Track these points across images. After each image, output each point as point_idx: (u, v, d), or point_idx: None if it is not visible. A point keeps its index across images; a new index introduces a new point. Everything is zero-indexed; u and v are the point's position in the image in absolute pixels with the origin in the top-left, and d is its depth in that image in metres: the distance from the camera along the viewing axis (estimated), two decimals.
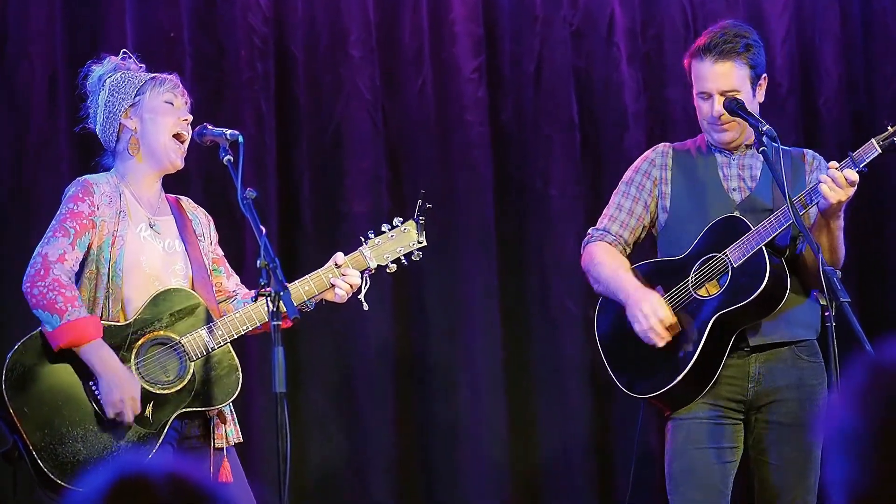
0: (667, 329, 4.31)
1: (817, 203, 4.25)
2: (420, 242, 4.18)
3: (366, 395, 5.81)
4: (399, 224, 4.18)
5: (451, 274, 5.92)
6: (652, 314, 4.31)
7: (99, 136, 4.15)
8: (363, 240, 4.17)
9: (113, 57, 4.15)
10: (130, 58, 4.15)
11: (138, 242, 4.00)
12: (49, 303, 3.84)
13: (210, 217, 4.30)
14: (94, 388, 3.87)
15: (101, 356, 3.86)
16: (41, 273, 3.89)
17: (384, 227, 4.18)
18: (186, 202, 4.25)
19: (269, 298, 3.64)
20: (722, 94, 4.38)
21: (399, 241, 4.18)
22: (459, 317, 5.93)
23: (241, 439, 4.14)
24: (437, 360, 5.91)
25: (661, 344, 4.31)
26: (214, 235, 4.26)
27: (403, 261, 4.18)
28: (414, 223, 4.18)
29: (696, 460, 4.33)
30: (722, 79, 4.38)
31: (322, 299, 4.14)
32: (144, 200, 4.08)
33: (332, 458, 5.77)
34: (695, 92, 4.48)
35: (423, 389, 5.88)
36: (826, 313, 4.03)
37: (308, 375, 5.74)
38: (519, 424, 5.94)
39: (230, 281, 4.25)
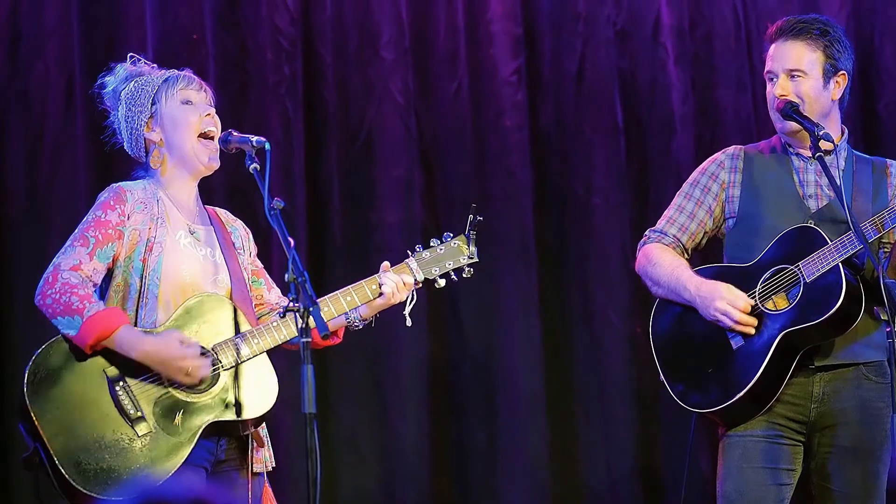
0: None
1: None
2: (471, 258, 4.10)
3: (399, 416, 5.71)
4: (449, 238, 4.11)
5: (489, 288, 5.80)
6: (731, 308, 4.14)
7: (129, 153, 4.07)
8: (410, 253, 4.07)
9: (123, 64, 4.06)
10: (140, 60, 4.05)
11: (178, 249, 3.91)
12: (65, 306, 3.75)
13: (248, 229, 4.21)
14: (119, 391, 3.78)
15: (132, 341, 3.76)
16: (49, 281, 3.80)
17: (433, 242, 4.09)
18: (225, 214, 4.18)
19: (297, 314, 3.52)
20: (788, 73, 4.22)
21: (448, 255, 4.10)
22: (497, 333, 5.84)
23: (274, 464, 4.02)
24: (473, 380, 5.81)
25: (752, 332, 4.14)
26: (253, 248, 4.17)
27: (453, 276, 4.11)
28: (465, 238, 4.10)
29: (751, 481, 4.18)
30: (788, 56, 4.23)
31: (371, 318, 4.06)
32: (183, 207, 4.00)
33: (363, 482, 5.68)
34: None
35: (460, 411, 5.78)
36: (888, 329, 3.91)
37: (339, 395, 5.65)
38: (561, 447, 5.83)
39: (271, 293, 4.18)
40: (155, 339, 3.77)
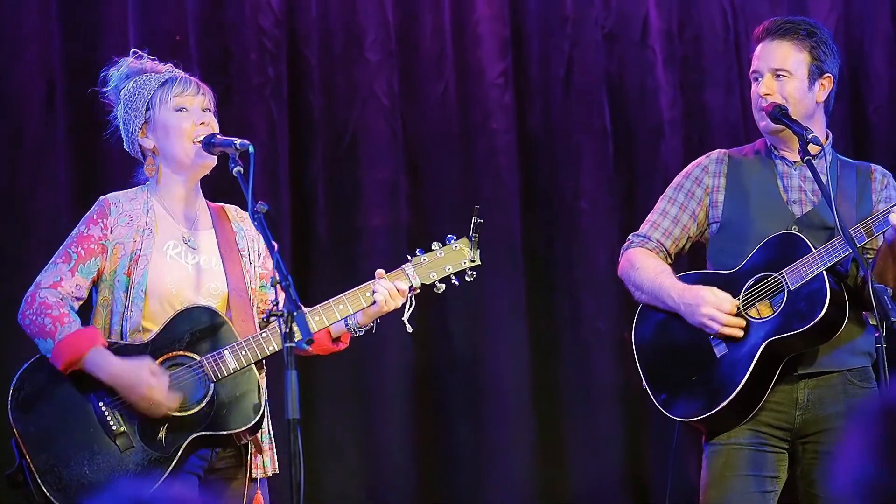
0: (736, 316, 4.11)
1: (884, 233, 4.02)
2: (473, 261, 4.01)
3: (384, 421, 5.65)
4: (451, 241, 4.02)
5: (476, 292, 5.60)
6: (717, 312, 4.09)
7: (129, 152, 4.05)
8: (409, 257, 3.99)
9: (125, 58, 4.02)
10: (142, 57, 4.01)
11: (164, 261, 3.87)
12: (40, 328, 3.76)
13: None
14: (102, 407, 3.75)
15: (101, 365, 3.73)
16: (28, 301, 3.82)
17: (434, 245, 4.00)
18: (234, 212, 4.08)
19: (281, 319, 3.46)
20: (773, 72, 4.18)
21: (448, 259, 4.00)
22: (484, 338, 5.79)
23: (277, 470, 3.96)
24: (460, 385, 5.75)
25: (740, 335, 4.08)
26: (264, 248, 4.06)
27: (454, 280, 4.01)
28: (468, 241, 4.01)
29: (734, 489, 4.13)
30: (774, 56, 4.18)
31: (371, 325, 3.99)
32: (179, 214, 3.95)
33: (348, 488, 5.62)
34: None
35: (446, 416, 5.72)
36: (876, 334, 3.86)
37: (323, 401, 5.59)
38: (548, 454, 5.78)
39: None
40: (124, 364, 3.73)
